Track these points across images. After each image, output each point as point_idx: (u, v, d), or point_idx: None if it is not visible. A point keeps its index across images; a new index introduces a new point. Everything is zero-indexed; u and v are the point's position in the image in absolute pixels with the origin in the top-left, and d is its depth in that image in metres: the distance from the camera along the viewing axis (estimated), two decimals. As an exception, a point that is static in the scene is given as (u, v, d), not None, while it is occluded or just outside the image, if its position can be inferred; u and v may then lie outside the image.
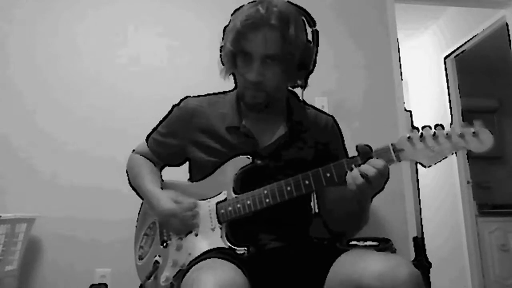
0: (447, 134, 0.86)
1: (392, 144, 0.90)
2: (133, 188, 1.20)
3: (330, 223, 1.12)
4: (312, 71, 1.11)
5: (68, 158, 2.18)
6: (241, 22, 0.99)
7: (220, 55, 1.11)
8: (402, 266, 0.81)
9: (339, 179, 0.93)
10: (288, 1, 1.06)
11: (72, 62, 2.32)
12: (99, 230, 2.11)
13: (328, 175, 0.94)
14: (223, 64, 1.12)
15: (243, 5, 1.07)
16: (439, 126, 0.87)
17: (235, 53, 1.02)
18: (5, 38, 2.29)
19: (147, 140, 1.23)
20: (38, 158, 2.17)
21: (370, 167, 0.87)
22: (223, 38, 1.10)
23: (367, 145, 0.92)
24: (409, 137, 0.88)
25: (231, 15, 1.09)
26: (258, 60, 1.00)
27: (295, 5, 1.07)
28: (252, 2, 1.05)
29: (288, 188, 0.97)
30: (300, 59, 1.05)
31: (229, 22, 1.08)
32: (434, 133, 0.87)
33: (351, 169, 0.90)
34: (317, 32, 1.08)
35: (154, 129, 1.22)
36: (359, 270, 0.83)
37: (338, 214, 1.06)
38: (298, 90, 1.16)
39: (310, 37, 1.09)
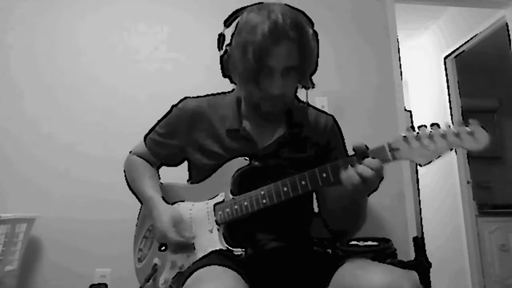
0: (442, 133, 0.86)
1: (388, 143, 0.90)
2: (132, 191, 1.20)
3: (330, 223, 1.12)
4: (315, 72, 1.12)
5: (68, 157, 2.18)
6: (263, 37, 0.96)
7: (222, 66, 1.09)
8: (405, 280, 0.80)
9: (335, 179, 0.93)
10: (287, 4, 1.05)
11: (72, 61, 2.32)
12: (99, 230, 2.11)
13: (324, 175, 0.94)
14: (224, 75, 1.10)
15: (238, 10, 1.06)
16: (435, 125, 0.87)
17: (258, 69, 0.99)
18: (5, 37, 2.30)
19: (145, 140, 1.23)
20: (38, 158, 2.17)
21: (366, 168, 0.87)
22: (220, 47, 1.08)
23: (366, 146, 0.92)
24: (405, 137, 0.89)
25: (226, 21, 1.07)
26: (279, 73, 1.00)
27: (294, 8, 1.06)
28: (248, 7, 1.04)
29: (285, 189, 0.97)
30: (312, 66, 1.06)
31: (224, 30, 1.07)
32: (430, 132, 0.87)
33: (347, 168, 0.91)
34: (316, 33, 1.08)
35: (152, 129, 1.22)
36: (362, 283, 0.82)
37: (337, 213, 1.06)
38: (301, 91, 1.16)
39: None
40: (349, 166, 0.90)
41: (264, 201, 0.98)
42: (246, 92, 1.09)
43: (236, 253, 0.98)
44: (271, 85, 1.00)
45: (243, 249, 0.98)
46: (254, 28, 0.97)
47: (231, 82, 1.12)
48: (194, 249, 1.04)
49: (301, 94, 1.19)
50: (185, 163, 1.21)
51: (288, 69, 1.00)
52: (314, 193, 1.16)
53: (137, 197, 1.18)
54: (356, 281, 0.84)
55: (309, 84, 1.10)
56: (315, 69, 1.10)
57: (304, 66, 1.02)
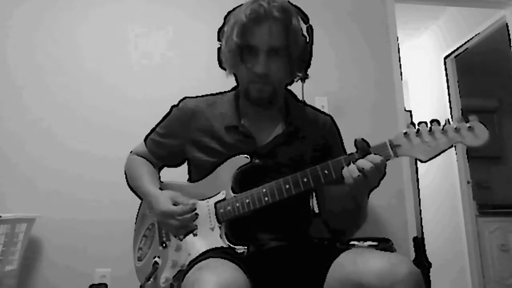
0: (443, 129, 0.87)
1: (389, 140, 0.91)
2: (132, 189, 1.20)
3: (330, 223, 1.12)
4: (309, 65, 1.12)
5: (69, 158, 2.18)
6: (245, 16, 1.00)
7: (219, 56, 1.12)
8: (401, 264, 0.81)
9: (337, 176, 0.94)
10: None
11: (72, 62, 2.32)
12: (99, 230, 2.11)
13: (326, 172, 0.95)
14: (220, 66, 1.13)
15: (239, 5, 1.08)
16: (435, 121, 0.89)
17: (241, 47, 1.03)
18: (5, 38, 2.29)
19: (145, 141, 1.23)
20: (38, 157, 2.17)
21: (367, 162, 0.88)
22: (219, 39, 1.11)
23: (364, 140, 0.93)
24: (405, 133, 0.90)
25: (226, 17, 1.10)
26: (264, 52, 1.02)
27: (290, 3, 1.09)
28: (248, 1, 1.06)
29: (287, 186, 0.97)
30: (301, 52, 1.07)
31: (223, 25, 1.10)
32: (430, 128, 0.88)
33: (349, 165, 0.91)
34: (311, 27, 1.10)
35: (153, 130, 1.22)
36: (359, 268, 0.83)
37: (337, 213, 1.07)
38: (298, 89, 1.16)
39: (305, 33, 1.10)
40: (351, 162, 0.90)
41: (266, 198, 0.98)
42: (238, 78, 1.12)
43: (238, 251, 0.98)
44: (255, 64, 1.02)
45: (245, 247, 0.99)
46: (240, 11, 1.03)
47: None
48: (196, 235, 1.04)
49: (300, 94, 1.19)
50: (186, 163, 1.21)
51: (274, 50, 1.02)
52: (314, 193, 1.16)
53: (137, 195, 1.19)
54: (352, 266, 0.85)
55: (301, 73, 1.11)
56: (309, 62, 1.12)
57: (290, 48, 1.03)
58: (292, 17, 1.04)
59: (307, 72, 1.12)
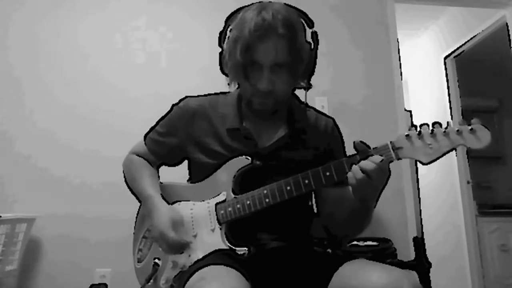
0: (445, 131, 0.86)
1: (390, 142, 0.91)
2: (130, 190, 1.19)
3: (331, 227, 1.12)
4: (313, 72, 1.11)
5: (69, 157, 2.18)
6: (250, 33, 0.97)
7: (220, 63, 1.10)
8: (404, 279, 0.81)
9: (338, 178, 0.93)
10: (287, 4, 1.05)
11: (72, 61, 2.32)
12: (99, 230, 2.11)
13: (328, 173, 0.94)
14: (222, 72, 1.11)
15: (240, 8, 1.06)
16: (437, 123, 0.88)
17: (245, 64, 1.01)
18: (6, 39, 2.29)
19: (145, 139, 1.22)
20: (39, 158, 2.17)
21: (369, 162, 0.88)
22: (221, 44, 1.09)
23: (363, 142, 0.92)
24: (407, 135, 0.89)
25: (227, 19, 1.08)
26: (268, 68, 1.00)
27: (294, 7, 1.07)
28: (250, 5, 1.04)
29: (288, 188, 0.97)
30: (306, 63, 1.06)
31: (224, 27, 1.08)
32: (432, 130, 0.87)
33: (351, 167, 0.91)
34: (316, 33, 1.08)
35: (152, 129, 1.21)
36: (361, 281, 0.83)
37: (339, 217, 1.06)
38: (301, 92, 1.16)
39: (309, 38, 1.07)
40: (353, 164, 0.90)
41: (267, 200, 0.98)
42: (241, 88, 1.10)
43: (239, 252, 0.98)
44: (259, 80, 1.01)
45: (246, 248, 0.98)
46: (244, 25, 0.99)
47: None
48: (196, 236, 1.04)
49: (301, 94, 1.19)
50: (185, 163, 1.21)
51: (278, 66, 1.00)
52: (313, 195, 1.15)
53: (136, 197, 1.18)
54: (354, 280, 0.85)
55: (305, 84, 1.10)
56: (313, 69, 1.10)
57: (295, 63, 1.01)
58: (297, 32, 1.01)
59: (310, 82, 1.10)
